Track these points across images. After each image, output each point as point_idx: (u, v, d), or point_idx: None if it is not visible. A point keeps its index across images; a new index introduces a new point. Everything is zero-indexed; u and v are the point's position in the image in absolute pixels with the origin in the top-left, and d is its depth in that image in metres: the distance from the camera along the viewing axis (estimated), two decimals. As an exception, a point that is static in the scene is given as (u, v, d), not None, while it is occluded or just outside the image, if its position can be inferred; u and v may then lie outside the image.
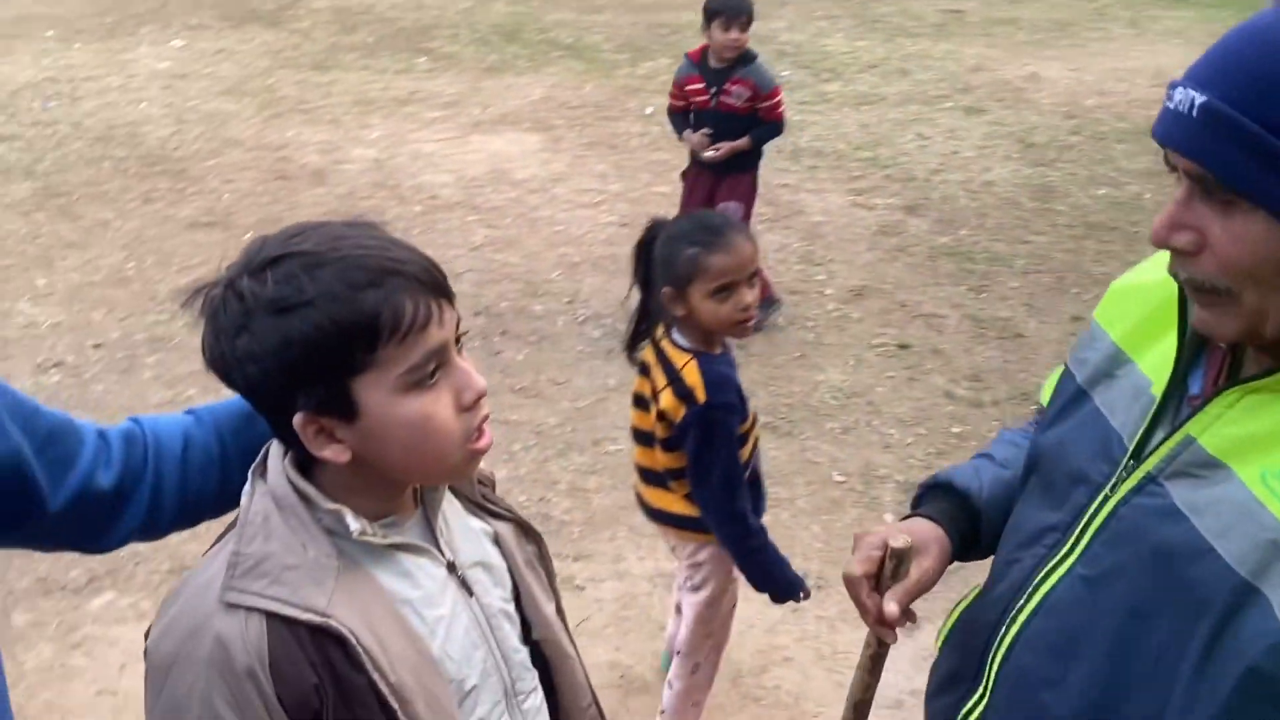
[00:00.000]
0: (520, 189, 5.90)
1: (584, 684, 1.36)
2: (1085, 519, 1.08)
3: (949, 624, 1.33)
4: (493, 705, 1.19)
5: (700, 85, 4.34)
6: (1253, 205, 0.89)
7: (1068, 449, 1.14)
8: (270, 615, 1.03)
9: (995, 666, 1.16)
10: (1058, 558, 1.11)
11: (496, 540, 1.27)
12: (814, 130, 6.84)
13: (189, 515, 1.21)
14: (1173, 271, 0.97)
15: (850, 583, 1.21)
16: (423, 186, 5.90)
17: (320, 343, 1.01)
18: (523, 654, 1.26)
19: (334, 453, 1.07)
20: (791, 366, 4.24)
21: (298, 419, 1.05)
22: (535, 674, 1.28)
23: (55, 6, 9.59)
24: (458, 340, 1.11)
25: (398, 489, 1.15)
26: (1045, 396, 1.31)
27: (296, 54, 8.34)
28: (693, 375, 2.13)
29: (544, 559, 1.33)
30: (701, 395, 2.11)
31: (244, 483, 1.13)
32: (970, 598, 1.32)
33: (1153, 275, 1.14)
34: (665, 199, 5.50)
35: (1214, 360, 1.05)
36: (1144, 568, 1.01)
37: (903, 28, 9.79)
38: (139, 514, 1.16)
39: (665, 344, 2.20)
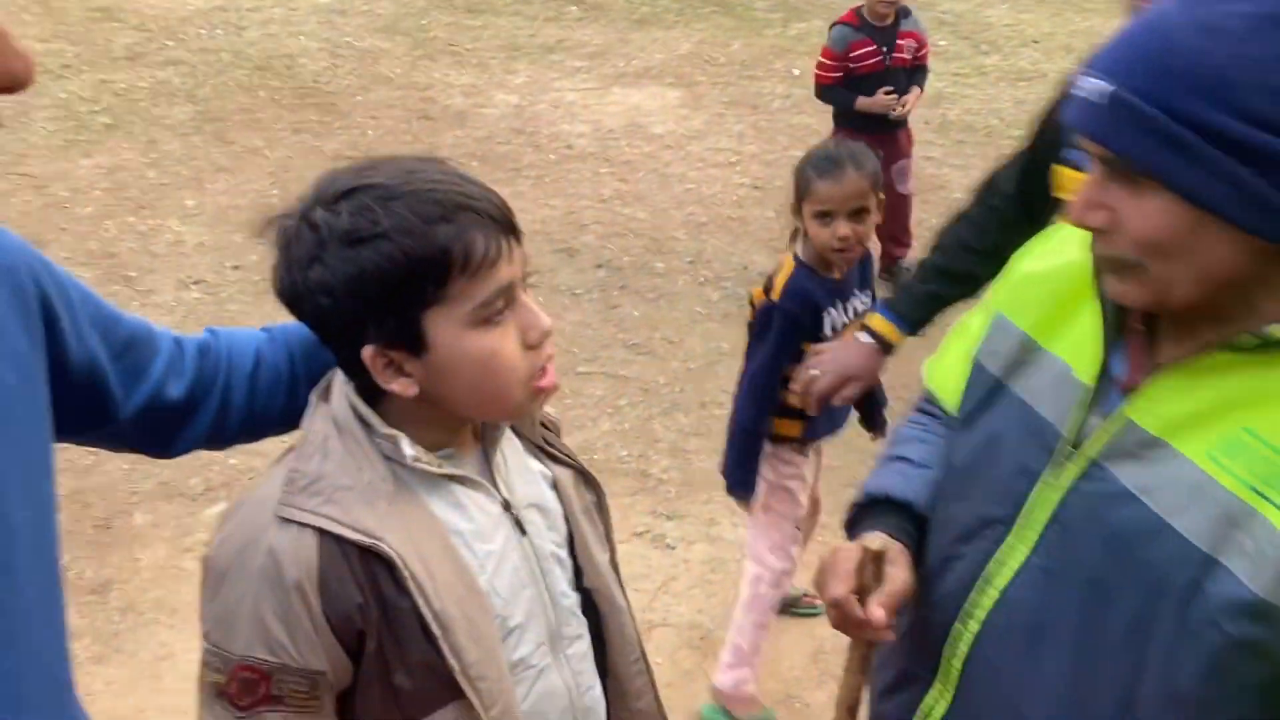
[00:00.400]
0: (655, 144, 5.87)
1: (633, 637, 1.35)
2: (1029, 509, 1.11)
3: None
4: (536, 646, 1.20)
5: (872, 47, 4.26)
6: (1158, 186, 0.94)
7: (998, 441, 1.17)
8: (322, 533, 1.05)
9: (958, 665, 1.18)
10: (1005, 550, 1.13)
11: (555, 485, 1.27)
12: (965, 104, 6.59)
13: (253, 430, 1.24)
14: (1093, 249, 1.04)
15: (839, 603, 1.18)
16: (559, 135, 5.92)
17: (392, 275, 1.02)
18: (571, 599, 1.26)
19: (402, 386, 1.08)
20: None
21: (367, 351, 1.06)
22: (584, 622, 1.28)
23: (231, -62, 9.93)
24: (525, 279, 1.12)
25: (459, 424, 1.16)
26: (933, 381, 1.34)
27: (452, -5, 8.45)
28: (782, 275, 2.30)
29: (602, 510, 1.33)
30: (776, 294, 2.28)
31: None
32: None
33: (1051, 262, 1.19)
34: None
35: (1134, 342, 1.09)
36: (1102, 552, 1.04)
37: (1074, 2, 9.32)
38: (205, 424, 1.19)
39: (790, 248, 2.36)
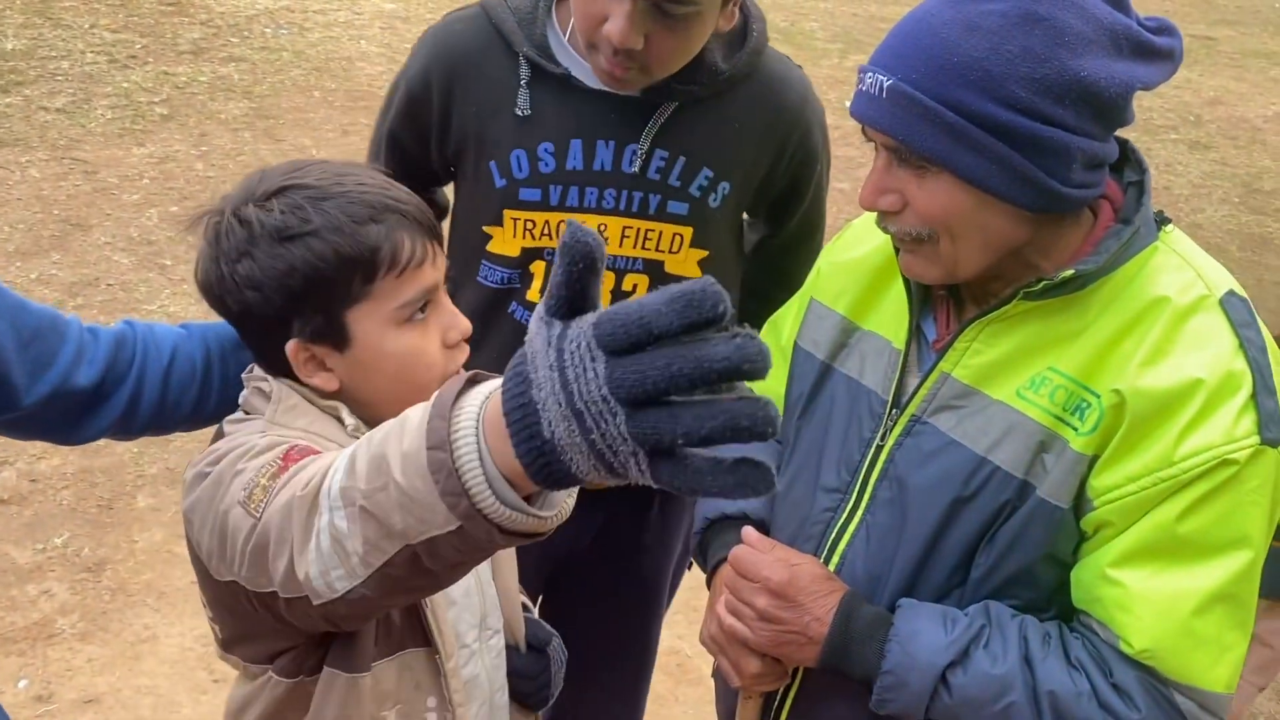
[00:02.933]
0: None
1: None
2: (863, 473, 1.21)
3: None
4: (469, 626, 1.23)
5: None
6: (938, 168, 1.05)
7: (832, 418, 1.25)
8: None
9: None
10: (845, 514, 1.21)
11: None
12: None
13: (162, 424, 1.25)
14: (882, 227, 1.13)
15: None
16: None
17: (322, 271, 1.06)
18: (493, 590, 1.28)
19: (323, 380, 1.12)
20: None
21: (291, 345, 1.10)
22: (501, 620, 1.29)
23: (307, -59, 10.16)
24: (445, 282, 1.16)
25: (376, 423, 1.16)
26: (762, 386, 1.37)
27: (515, 9, 8.58)
28: None
29: None
30: None
31: (218, 403, 1.16)
32: None
33: (857, 250, 1.30)
34: (844, 195, 5.36)
35: (940, 308, 1.21)
36: (928, 496, 1.14)
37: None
38: (114, 413, 1.20)
39: None
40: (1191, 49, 9.30)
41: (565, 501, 0.75)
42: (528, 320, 1.52)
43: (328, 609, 0.87)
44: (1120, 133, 1.11)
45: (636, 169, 1.47)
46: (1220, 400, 1.04)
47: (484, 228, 1.53)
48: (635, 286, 1.52)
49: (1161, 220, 1.14)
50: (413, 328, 1.11)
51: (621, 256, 1.49)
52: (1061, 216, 1.09)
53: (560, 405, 0.61)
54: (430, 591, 0.97)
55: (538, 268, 1.52)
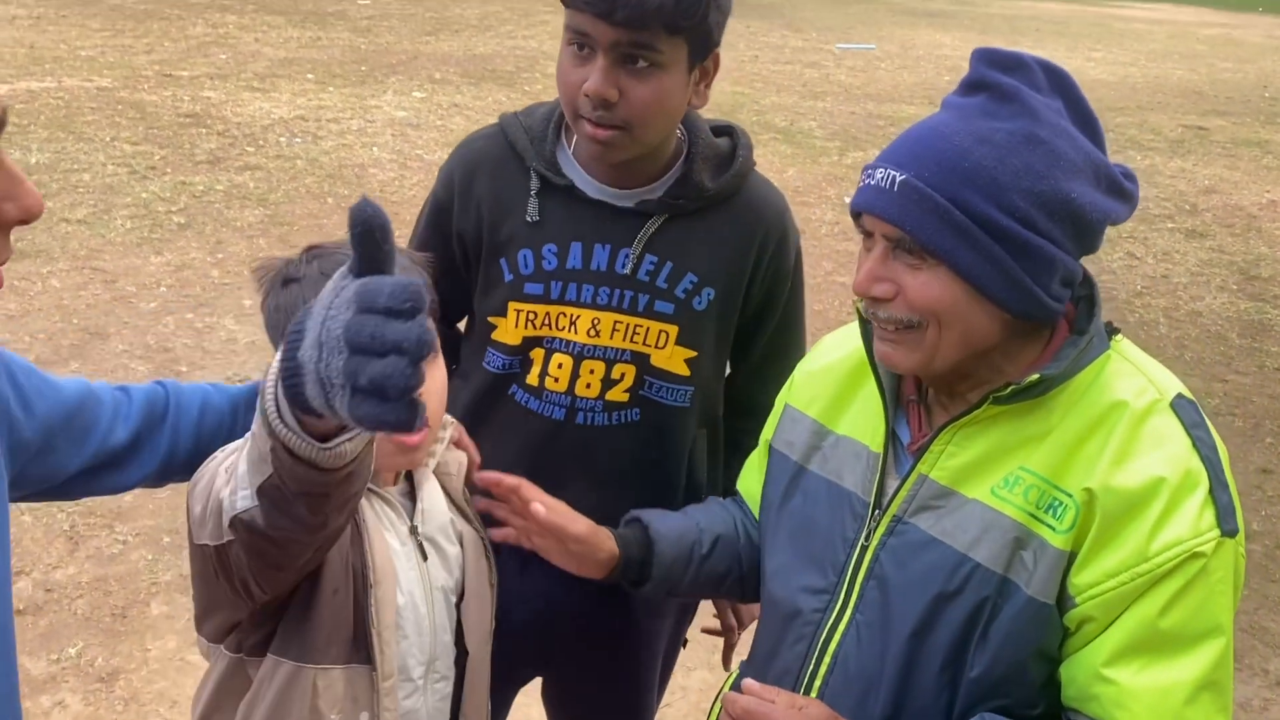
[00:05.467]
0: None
1: (484, 709, 1.51)
2: (850, 572, 1.26)
3: (718, 708, 1.41)
4: (415, 663, 1.37)
5: None
6: (937, 261, 1.12)
7: (812, 520, 1.32)
8: None
9: None
10: (834, 614, 1.27)
11: (460, 540, 1.46)
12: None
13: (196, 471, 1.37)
14: (870, 314, 1.20)
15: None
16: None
17: (291, 312, 1.24)
18: (448, 639, 1.42)
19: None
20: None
21: None
22: (452, 671, 1.43)
23: (320, 52, 10.53)
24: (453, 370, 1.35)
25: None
26: (742, 487, 1.53)
27: (522, 114, 8.82)
28: None
29: (493, 586, 1.50)
30: None
31: None
32: (735, 677, 1.46)
33: (826, 359, 1.40)
34: (844, 289, 5.45)
35: (912, 412, 1.28)
36: (913, 594, 1.20)
37: (1136, 140, 9.39)
38: (153, 462, 1.32)
39: None
40: (1185, 139, 9.49)
41: (345, 446, 0.93)
42: (528, 402, 1.67)
43: (248, 541, 1.07)
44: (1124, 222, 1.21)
45: (628, 270, 1.62)
46: (1183, 497, 1.11)
47: (490, 318, 1.69)
48: (623, 375, 1.66)
49: (1111, 330, 1.22)
50: None
51: (612, 348, 1.64)
52: (1032, 325, 1.18)
53: (314, 336, 0.79)
54: (317, 529, 1.09)
55: (536, 354, 1.67)
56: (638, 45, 1.46)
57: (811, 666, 1.28)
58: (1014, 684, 1.18)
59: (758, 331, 1.76)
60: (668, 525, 1.46)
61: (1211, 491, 1.12)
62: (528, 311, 1.65)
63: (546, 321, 1.64)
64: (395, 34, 11.81)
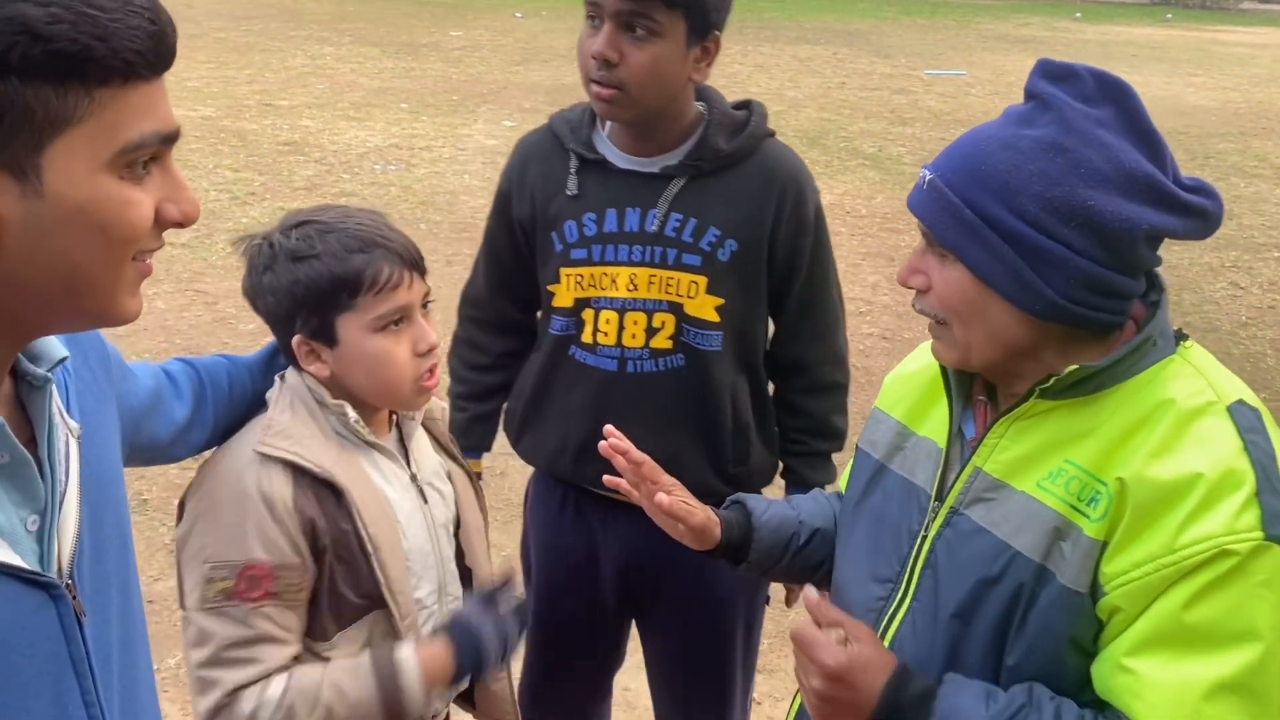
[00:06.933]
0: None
1: None
2: (911, 563, 1.31)
3: (798, 702, 1.48)
4: (429, 591, 1.55)
5: None
6: (955, 258, 1.19)
7: (885, 514, 1.37)
8: (291, 465, 1.40)
9: None
10: (895, 603, 1.32)
11: (450, 476, 1.64)
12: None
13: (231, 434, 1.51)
14: (916, 306, 1.28)
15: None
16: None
17: (318, 285, 1.40)
18: (453, 566, 1.61)
19: (317, 369, 1.45)
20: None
21: (295, 339, 1.44)
22: (461, 590, 1.62)
23: (414, 82, 10.79)
24: (424, 305, 1.48)
25: (368, 409, 1.50)
26: (842, 484, 1.58)
27: (609, 141, 8.90)
28: None
29: (483, 510, 1.70)
30: None
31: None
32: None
33: (914, 365, 1.47)
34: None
35: (979, 409, 1.33)
36: (959, 580, 1.24)
37: (1239, 167, 9.11)
38: (202, 435, 1.47)
39: None
40: (1291, 165, 9.17)
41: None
42: (585, 359, 1.88)
43: None
44: (1220, 247, 1.17)
45: (655, 228, 1.83)
46: (1221, 494, 1.10)
47: (549, 286, 1.91)
48: (664, 323, 1.86)
49: (1180, 336, 1.23)
50: (387, 335, 1.43)
51: (650, 299, 1.85)
52: (1074, 328, 1.19)
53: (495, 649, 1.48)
54: None
55: (588, 315, 1.88)
56: (637, 15, 1.68)
57: None
58: (1053, 676, 1.18)
59: (789, 286, 1.94)
60: (770, 514, 1.54)
61: (1259, 494, 1.10)
62: (576, 275, 1.87)
63: (592, 282, 1.86)
64: (486, 64, 12.05)
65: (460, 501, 1.63)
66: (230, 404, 1.50)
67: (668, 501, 1.43)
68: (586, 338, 1.88)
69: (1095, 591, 1.15)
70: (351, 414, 1.45)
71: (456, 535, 1.63)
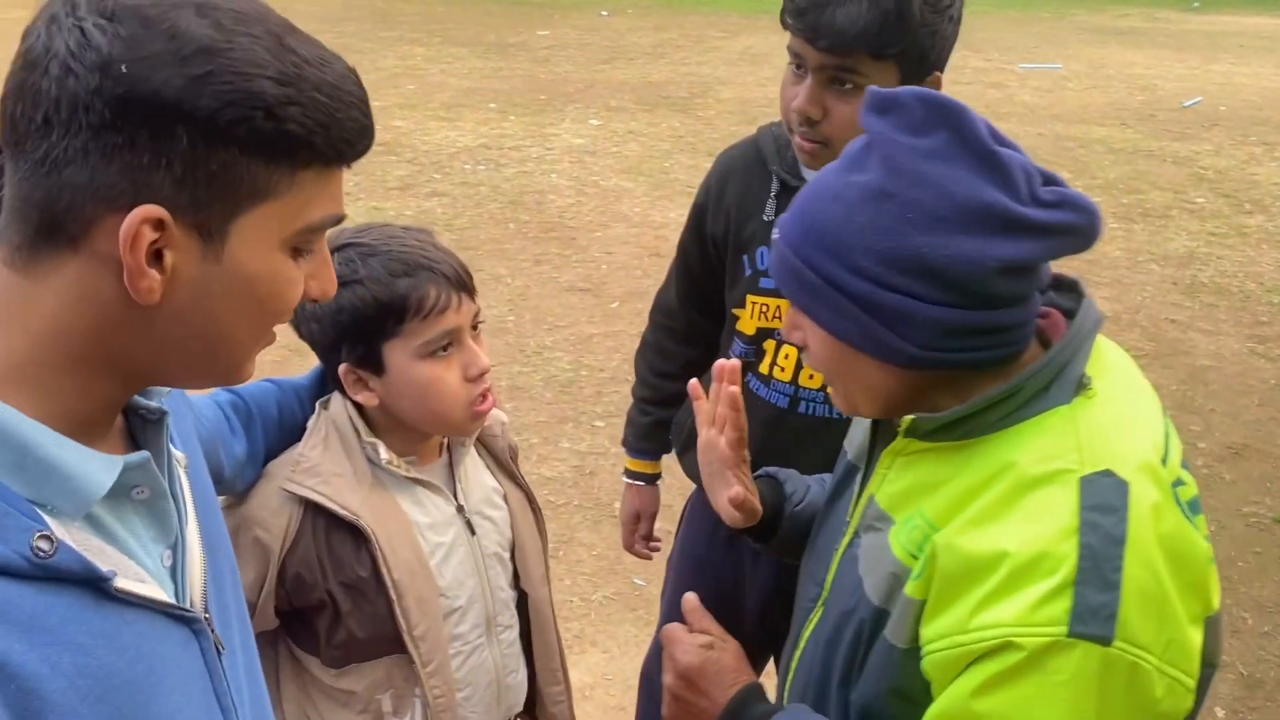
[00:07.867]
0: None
1: (554, 643, 1.64)
2: (828, 576, 1.28)
3: None
4: (473, 626, 1.50)
5: None
6: (811, 320, 1.14)
7: (832, 520, 1.34)
8: (311, 504, 1.37)
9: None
10: (816, 611, 1.29)
11: (505, 499, 1.57)
12: (1220, 265, 6.22)
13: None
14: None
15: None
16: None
17: (363, 311, 1.34)
18: (507, 594, 1.56)
19: (365, 398, 1.40)
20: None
21: (342, 367, 1.39)
22: (515, 616, 1.58)
23: (502, 82, 10.87)
24: (475, 326, 1.42)
25: (419, 436, 1.46)
26: None
27: (696, 140, 8.86)
28: None
29: (542, 532, 1.63)
30: None
31: None
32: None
33: None
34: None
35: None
36: (836, 605, 1.22)
37: (1355, 161, 8.68)
38: (256, 465, 1.45)
39: None
40: None
41: None
42: (758, 389, 1.83)
43: None
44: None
45: None
46: (1025, 580, 1.00)
47: (734, 309, 1.87)
48: None
49: (1081, 386, 1.09)
50: (436, 361, 1.37)
51: None
52: (949, 371, 1.11)
53: None
54: None
55: (769, 345, 1.83)
56: (843, 69, 1.58)
57: (786, 660, 1.34)
58: (882, 718, 1.15)
59: None
60: (805, 505, 1.50)
61: (1076, 584, 0.98)
62: (762, 304, 1.82)
63: (778, 315, 1.80)
64: (573, 63, 12.09)
65: (516, 524, 1.57)
66: (281, 433, 1.47)
67: (742, 495, 1.39)
68: (764, 368, 1.83)
69: (919, 649, 1.08)
70: (384, 454, 1.40)
71: (513, 558, 1.57)
